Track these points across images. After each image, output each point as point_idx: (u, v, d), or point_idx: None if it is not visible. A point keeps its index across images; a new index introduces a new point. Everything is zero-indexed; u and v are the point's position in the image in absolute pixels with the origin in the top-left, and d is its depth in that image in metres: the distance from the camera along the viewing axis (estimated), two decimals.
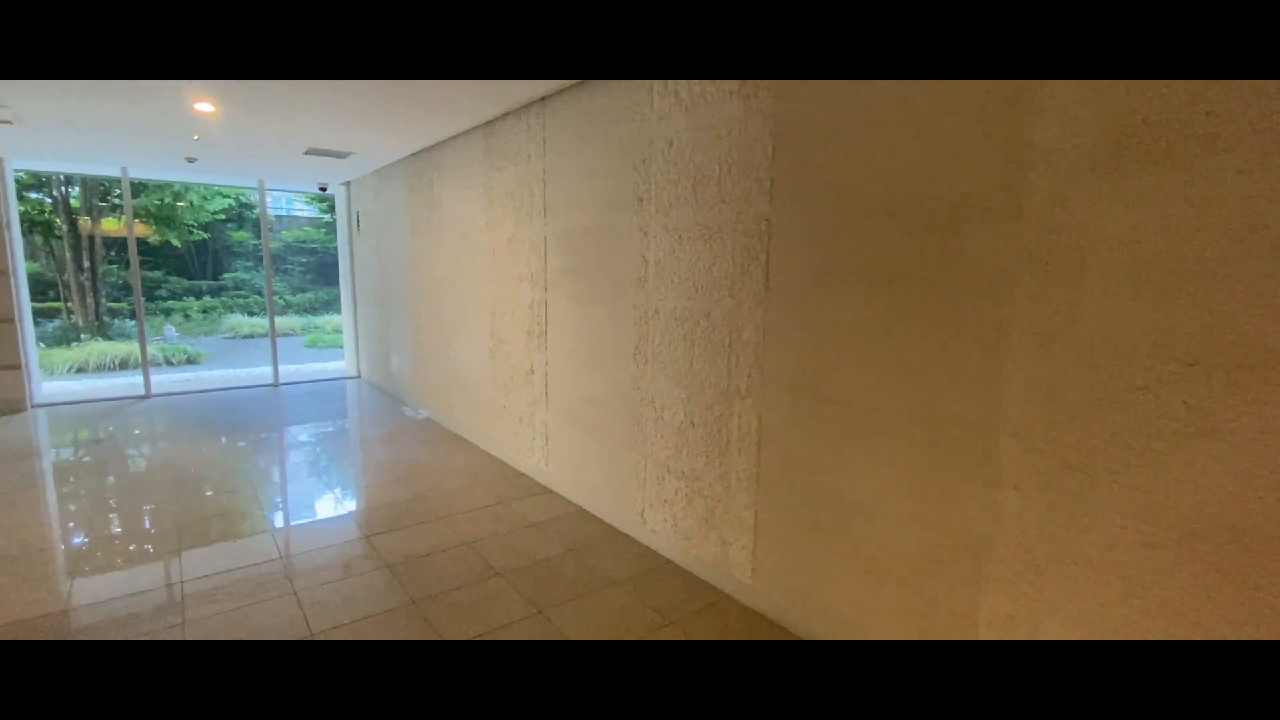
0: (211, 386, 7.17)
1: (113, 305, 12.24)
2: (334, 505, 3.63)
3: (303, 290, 15.29)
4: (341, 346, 8.70)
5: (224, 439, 5.03)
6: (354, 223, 7.63)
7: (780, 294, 2.33)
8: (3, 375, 5.82)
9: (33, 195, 9.54)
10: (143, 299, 7.02)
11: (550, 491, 3.86)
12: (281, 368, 8.73)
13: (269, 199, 16.71)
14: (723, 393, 2.61)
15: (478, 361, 4.72)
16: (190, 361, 9.13)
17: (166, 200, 10.55)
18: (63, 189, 9.82)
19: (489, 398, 4.57)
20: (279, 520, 3.44)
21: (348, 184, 7.55)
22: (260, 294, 14.42)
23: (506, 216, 4.11)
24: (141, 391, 6.56)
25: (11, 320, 5.80)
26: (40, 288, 10.00)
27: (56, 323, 9.90)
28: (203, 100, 3.62)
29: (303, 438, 5.12)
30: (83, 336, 9.45)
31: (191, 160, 5.52)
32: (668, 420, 2.91)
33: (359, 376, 7.87)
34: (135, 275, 6.51)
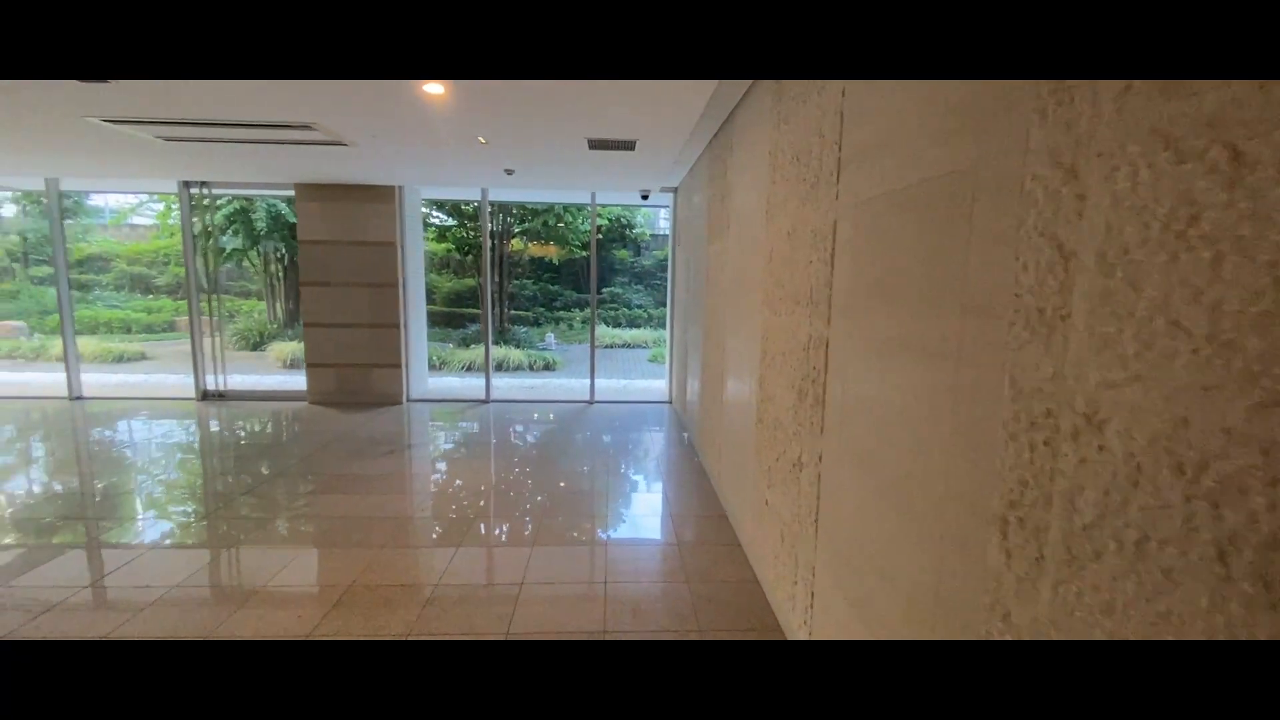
0: (537, 397, 7.35)
1: (521, 314, 14.77)
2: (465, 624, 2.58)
3: (663, 305, 16.03)
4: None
5: (491, 456, 4.69)
6: (677, 232, 6.91)
7: None
8: (387, 372, 6.84)
9: (469, 223, 12.14)
10: (488, 309, 7.53)
11: None
12: (610, 383, 8.70)
13: (646, 217, 18.18)
14: None
15: (745, 420, 3.15)
16: (546, 368, 10.01)
17: (550, 221, 12.11)
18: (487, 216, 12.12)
19: (753, 479, 2.96)
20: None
21: (674, 190, 6.85)
22: (629, 307, 15.62)
23: (789, 193, 2.45)
24: (483, 396, 7.04)
25: (397, 325, 6.77)
26: (475, 299, 12.60)
27: (474, 327, 12.27)
28: (430, 82, 3.02)
29: (558, 482, 4.38)
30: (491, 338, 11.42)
31: (510, 172, 5.43)
32: None
33: (670, 402, 7.12)
34: (485, 290, 7.01)
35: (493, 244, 12.27)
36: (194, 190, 6.77)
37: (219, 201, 11.19)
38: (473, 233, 12.22)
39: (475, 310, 12.91)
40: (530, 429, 5.82)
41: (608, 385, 8.38)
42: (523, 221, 12.32)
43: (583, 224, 12.39)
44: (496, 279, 12.07)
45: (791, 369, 2.34)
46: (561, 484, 4.25)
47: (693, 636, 2.41)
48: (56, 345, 10.71)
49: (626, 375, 9.67)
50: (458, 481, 4.30)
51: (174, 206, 11.59)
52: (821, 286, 2.02)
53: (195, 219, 11.67)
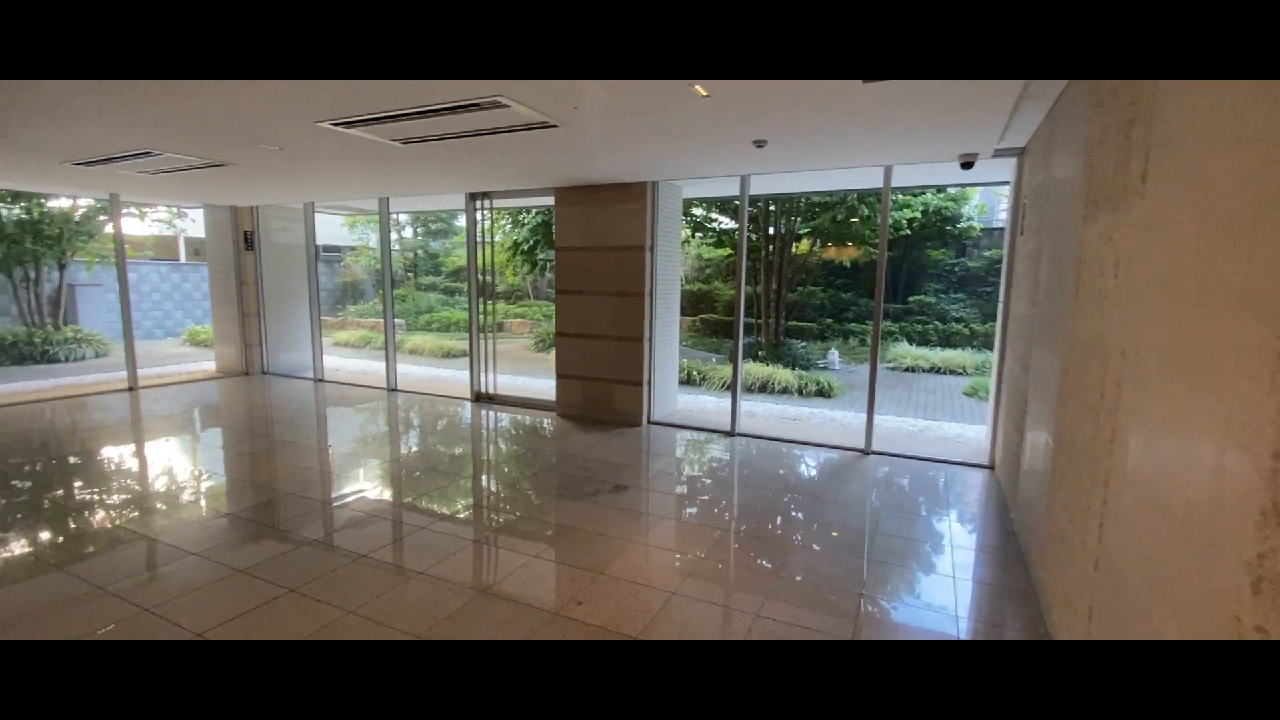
0: (795, 435, 5.82)
1: (804, 325, 13.08)
2: None
3: (993, 320, 12.49)
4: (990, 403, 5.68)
5: (695, 527, 3.41)
6: (1020, 215, 4.65)
7: None
8: (628, 390, 6.14)
9: (749, 225, 11.01)
10: (740, 320, 6.29)
11: None
12: (902, 423, 6.64)
13: (982, 211, 14.53)
14: None
15: (1191, 615, 1.28)
16: (820, 393, 8.25)
17: (840, 216, 10.12)
18: (768, 215, 10.83)
19: None
20: None
21: (1019, 153, 4.62)
22: (943, 320, 12.60)
23: None
24: (728, 427, 5.84)
25: (641, 339, 6.02)
26: (754, 308, 11.49)
27: (748, 340, 11.11)
28: None
29: (762, 613, 2.92)
30: (759, 355, 10.14)
31: (761, 144, 4.09)
32: None
33: (992, 468, 4.88)
34: (739, 297, 5.77)
35: (771, 245, 10.98)
36: (479, 202, 7.10)
37: (528, 215, 12.38)
38: (753, 235, 11.12)
39: (752, 320, 11.80)
40: (766, 487, 4.39)
41: (897, 428, 6.37)
42: (811, 218, 10.73)
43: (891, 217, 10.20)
44: (775, 285, 10.73)
45: None
46: (770, 615, 2.77)
47: None
48: (412, 341, 13.09)
49: (929, 412, 7.39)
50: (637, 561, 3.16)
51: (500, 223, 13.22)
52: None
53: (514, 231, 13.02)
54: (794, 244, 11.14)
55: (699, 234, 12.41)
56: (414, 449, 5.40)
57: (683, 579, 2.97)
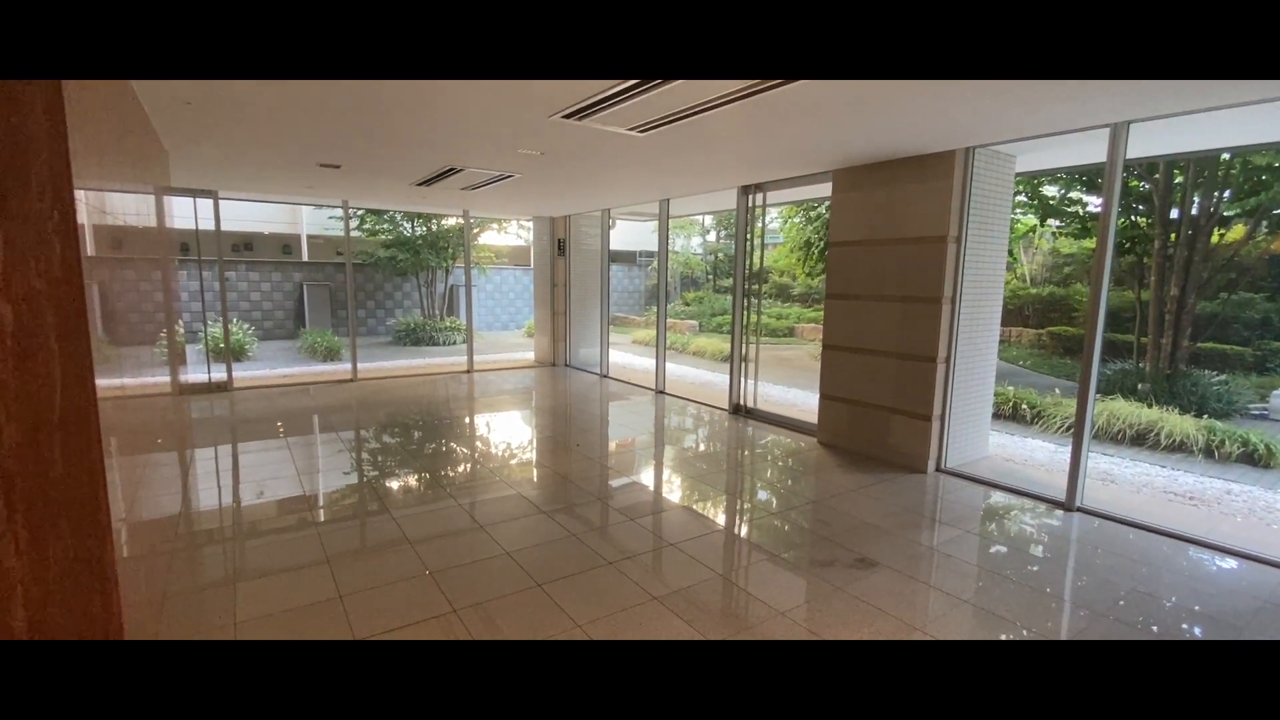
0: (1194, 531, 3.68)
1: (1223, 348, 8.90)
2: None
3: None
4: None
5: None
6: None
7: None
8: (910, 424, 4.77)
9: (1137, 206, 7.65)
10: (1095, 334, 4.37)
11: None
12: None
13: None
14: None
15: None
16: (1247, 458, 5.17)
17: None
18: (1169, 189, 7.44)
19: None
20: None
21: None
22: None
23: None
24: (1063, 494, 4.04)
25: (933, 359, 4.61)
26: (1134, 320, 8.19)
27: (1118, 365, 7.87)
28: None
29: None
30: (1138, 389, 7.11)
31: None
32: None
33: None
34: (1097, 301, 3.89)
35: (1173, 234, 7.66)
36: (751, 196, 6.46)
37: (816, 211, 11.20)
38: (1144, 218, 7.92)
39: (1126, 338, 8.52)
40: (1119, 618, 2.71)
41: None
42: (1251, 191, 7.10)
43: None
44: (1176, 290, 7.42)
45: None
46: None
47: None
48: (697, 343, 13.15)
49: None
50: None
51: (794, 219, 12.35)
52: None
53: (809, 229, 12.02)
54: (1216, 230, 7.59)
55: (1052, 220, 9.54)
56: (641, 463, 5.08)
57: None
